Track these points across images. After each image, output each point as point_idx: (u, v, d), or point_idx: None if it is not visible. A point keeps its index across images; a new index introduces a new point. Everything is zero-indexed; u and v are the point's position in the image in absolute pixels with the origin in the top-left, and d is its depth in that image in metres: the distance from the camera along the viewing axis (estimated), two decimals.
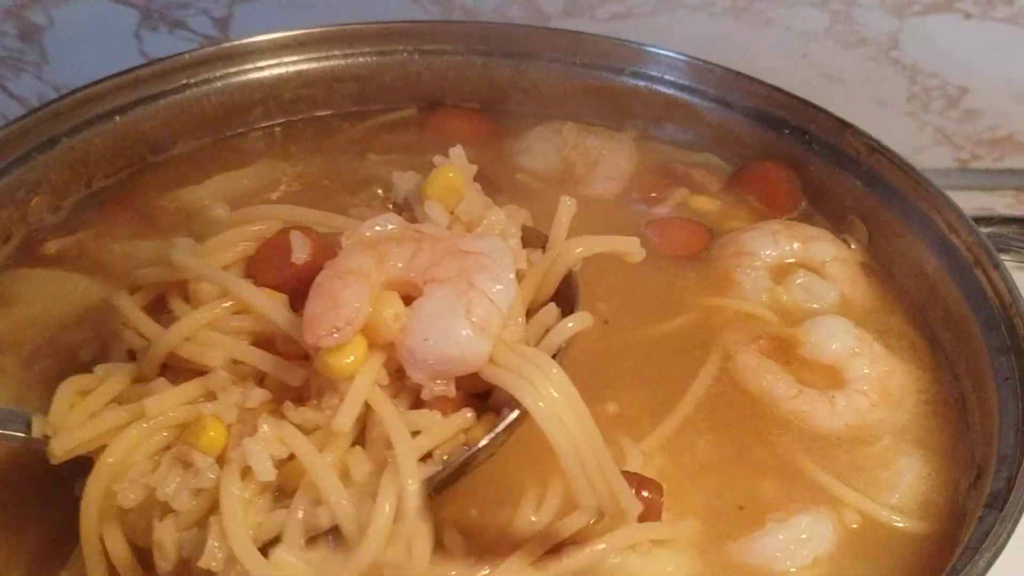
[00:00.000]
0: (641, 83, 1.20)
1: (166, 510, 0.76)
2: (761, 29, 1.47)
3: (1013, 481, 0.77)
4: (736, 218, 1.10)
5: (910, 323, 1.00)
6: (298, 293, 0.80)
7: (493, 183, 1.02)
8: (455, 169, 0.89)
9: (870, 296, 1.02)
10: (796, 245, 1.05)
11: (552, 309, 0.84)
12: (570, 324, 0.82)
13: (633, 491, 0.79)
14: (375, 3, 1.39)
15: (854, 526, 0.83)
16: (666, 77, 1.19)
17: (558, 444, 0.75)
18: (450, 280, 0.79)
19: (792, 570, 0.80)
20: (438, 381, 0.78)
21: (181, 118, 1.13)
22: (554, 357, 0.79)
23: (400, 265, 0.79)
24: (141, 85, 1.11)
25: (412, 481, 0.74)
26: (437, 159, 0.90)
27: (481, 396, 0.81)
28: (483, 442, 0.78)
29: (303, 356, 0.79)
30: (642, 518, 0.80)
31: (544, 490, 0.83)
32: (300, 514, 0.76)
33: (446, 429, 0.79)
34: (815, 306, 1.00)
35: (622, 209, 1.11)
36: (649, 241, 1.05)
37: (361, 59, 1.20)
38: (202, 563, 0.74)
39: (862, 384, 0.92)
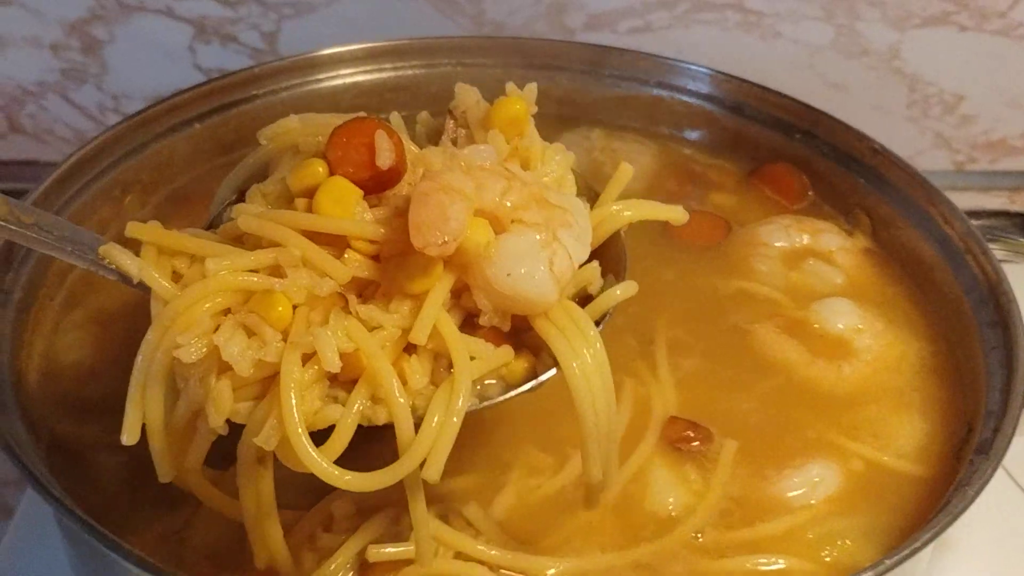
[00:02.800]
0: (665, 93, 1.34)
1: (224, 369, 0.77)
2: (770, 42, 1.57)
3: (997, 431, 0.93)
4: (751, 212, 1.25)
5: (908, 301, 1.15)
6: (369, 191, 0.83)
7: None
8: (522, 102, 0.93)
9: (873, 279, 1.17)
10: (806, 237, 1.20)
11: (595, 267, 0.88)
12: (618, 292, 0.87)
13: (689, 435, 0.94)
14: (411, 19, 1.51)
15: (859, 471, 0.98)
16: (688, 87, 1.34)
17: (581, 406, 0.82)
18: (537, 227, 0.83)
19: (809, 503, 0.96)
20: (498, 312, 0.83)
21: (251, 125, 1.27)
22: (598, 323, 0.86)
23: (495, 198, 0.82)
24: (215, 96, 1.26)
25: (463, 401, 0.79)
26: (509, 86, 0.94)
27: (512, 334, 0.86)
28: (524, 388, 0.84)
29: (374, 256, 0.82)
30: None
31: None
32: (356, 407, 0.79)
33: (495, 359, 0.84)
34: (823, 289, 1.16)
35: None
36: (671, 233, 1.20)
37: (409, 71, 1.34)
38: (258, 440, 0.77)
39: (865, 355, 1.08)
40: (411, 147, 0.88)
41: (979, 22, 1.58)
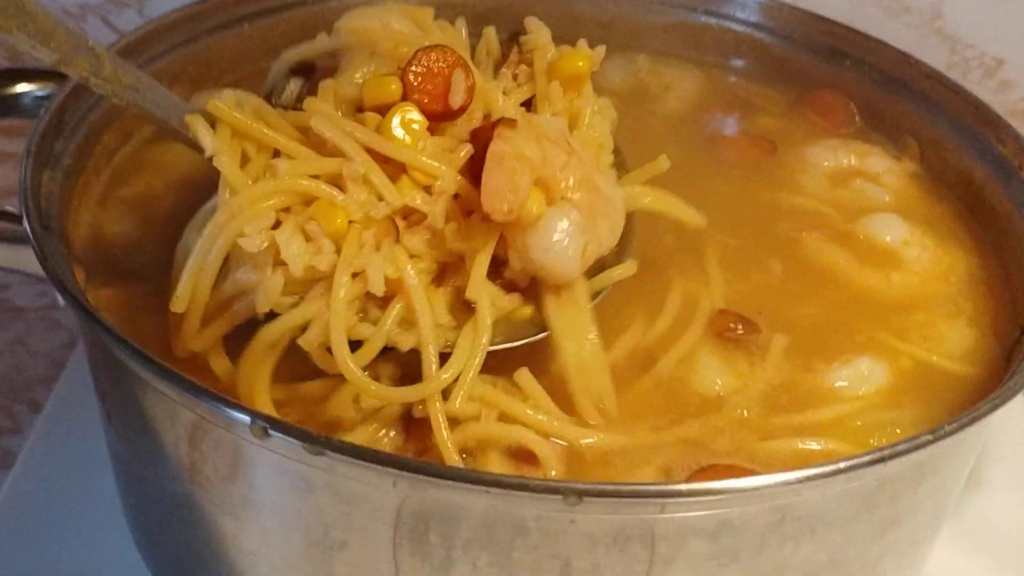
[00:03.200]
0: (713, 20, 1.36)
1: (278, 263, 0.83)
2: None
3: None
4: (797, 136, 1.25)
5: (956, 219, 1.15)
6: (434, 120, 0.88)
7: None
8: (588, 60, 0.97)
9: (920, 199, 1.18)
10: (853, 158, 1.20)
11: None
12: (617, 272, 0.94)
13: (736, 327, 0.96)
14: None
15: (909, 368, 0.98)
16: (736, 15, 1.35)
17: (573, 387, 0.89)
18: (582, 210, 0.87)
19: (857, 394, 0.96)
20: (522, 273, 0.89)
21: (299, 30, 1.27)
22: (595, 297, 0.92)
23: (555, 173, 0.87)
24: None
25: (486, 339, 0.85)
26: (581, 42, 0.98)
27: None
28: (532, 339, 0.90)
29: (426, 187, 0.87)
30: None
31: None
32: (388, 326, 0.84)
33: (507, 304, 0.89)
34: (870, 205, 1.15)
35: (692, 123, 1.26)
36: (718, 147, 1.21)
37: None
38: (302, 341, 0.83)
39: (913, 265, 1.08)
40: (478, 79, 0.92)
41: None
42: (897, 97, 1.25)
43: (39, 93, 1.08)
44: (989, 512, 1.21)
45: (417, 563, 0.80)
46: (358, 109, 0.92)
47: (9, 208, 1.00)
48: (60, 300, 0.97)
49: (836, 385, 0.96)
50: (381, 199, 0.86)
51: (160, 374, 0.78)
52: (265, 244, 0.83)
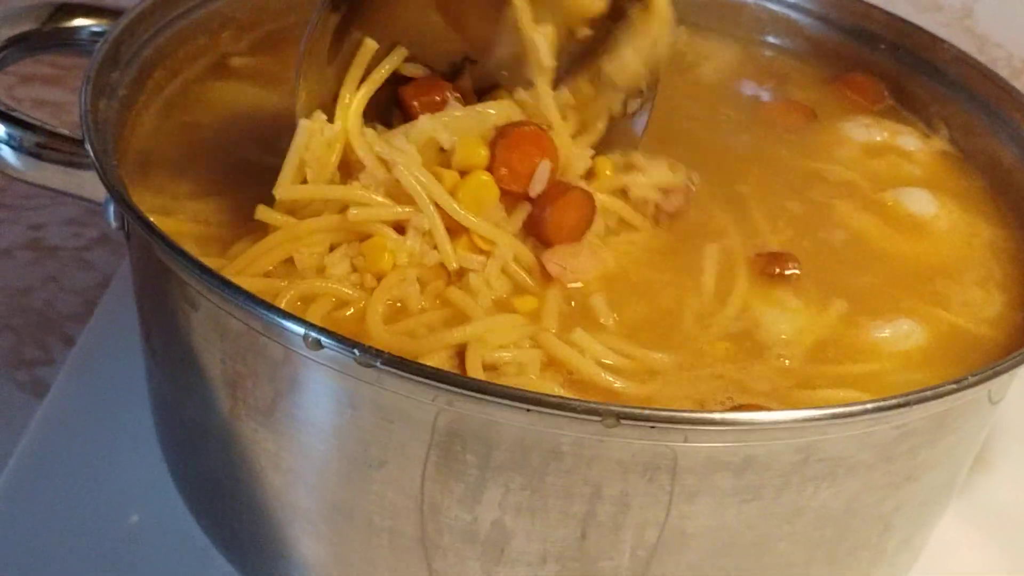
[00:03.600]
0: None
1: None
2: None
3: None
4: (833, 108, 1.28)
5: (985, 195, 1.18)
6: (507, 195, 0.96)
7: None
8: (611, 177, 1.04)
9: (950, 178, 1.21)
10: (886, 134, 1.23)
11: None
12: None
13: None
14: None
15: (944, 332, 1.01)
16: None
17: None
18: None
19: (898, 349, 0.98)
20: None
21: None
22: None
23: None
24: None
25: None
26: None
27: None
28: None
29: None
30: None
31: None
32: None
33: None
34: (901, 179, 1.18)
35: (728, 91, 1.30)
36: (758, 110, 1.25)
37: None
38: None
39: (944, 235, 1.11)
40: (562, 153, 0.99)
41: None
42: (928, 80, 1.28)
43: (95, 28, 1.12)
44: (995, 494, 1.24)
45: (452, 483, 0.82)
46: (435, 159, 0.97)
47: (68, 132, 1.03)
48: (112, 220, 0.99)
49: (879, 338, 0.99)
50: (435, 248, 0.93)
51: (213, 282, 0.81)
52: (316, 264, 0.93)
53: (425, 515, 0.84)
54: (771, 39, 1.39)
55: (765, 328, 0.97)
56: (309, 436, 0.86)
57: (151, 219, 0.85)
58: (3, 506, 1.09)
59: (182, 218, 1.00)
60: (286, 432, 0.87)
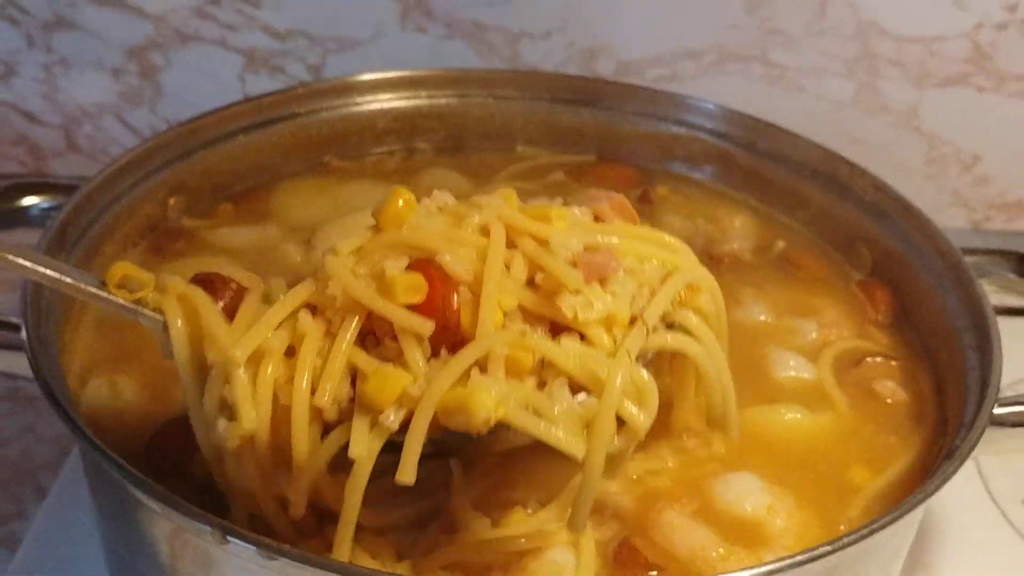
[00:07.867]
0: (683, 130, 1.46)
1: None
2: (794, 96, 1.67)
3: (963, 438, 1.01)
4: None
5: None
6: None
7: None
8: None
9: None
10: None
11: None
12: None
13: None
14: (450, 60, 1.64)
15: None
16: (704, 125, 1.45)
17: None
18: None
19: None
20: None
21: (290, 140, 1.39)
22: None
23: None
24: (260, 111, 1.36)
25: None
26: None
27: None
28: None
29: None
30: None
31: None
32: None
33: None
34: None
35: None
36: None
37: (443, 100, 1.45)
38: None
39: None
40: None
41: (997, 84, 1.68)
42: (849, 205, 1.34)
43: (44, 205, 1.20)
44: None
45: None
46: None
47: (12, 319, 1.10)
48: None
49: None
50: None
51: (140, 486, 0.88)
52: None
53: None
54: (707, 169, 1.46)
55: None
56: None
57: (83, 424, 0.93)
58: None
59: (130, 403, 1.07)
60: None
